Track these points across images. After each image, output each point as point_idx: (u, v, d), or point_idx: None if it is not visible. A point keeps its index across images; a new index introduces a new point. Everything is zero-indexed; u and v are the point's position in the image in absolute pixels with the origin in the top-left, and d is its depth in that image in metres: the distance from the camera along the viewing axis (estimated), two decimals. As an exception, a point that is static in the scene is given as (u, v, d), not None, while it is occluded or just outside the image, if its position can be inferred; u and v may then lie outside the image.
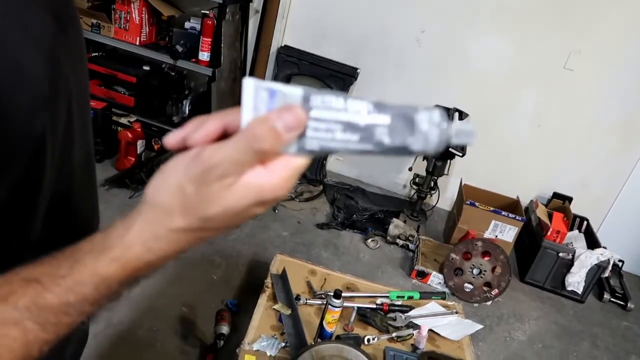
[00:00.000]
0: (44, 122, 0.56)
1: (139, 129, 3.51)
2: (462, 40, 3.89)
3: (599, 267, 3.39)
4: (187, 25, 3.90)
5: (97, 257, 0.47)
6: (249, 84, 0.44)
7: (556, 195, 4.01)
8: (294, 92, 0.44)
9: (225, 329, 2.17)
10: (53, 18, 0.60)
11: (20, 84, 0.54)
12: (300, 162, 0.46)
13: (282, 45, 4.19)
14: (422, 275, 3.25)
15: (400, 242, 3.57)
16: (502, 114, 4.04)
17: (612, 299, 3.61)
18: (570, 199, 3.96)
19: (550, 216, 3.67)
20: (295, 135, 0.44)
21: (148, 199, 0.48)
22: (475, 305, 3.18)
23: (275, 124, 0.43)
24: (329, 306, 2.32)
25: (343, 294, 2.63)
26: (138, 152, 3.51)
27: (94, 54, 4.00)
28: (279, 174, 0.45)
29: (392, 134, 0.45)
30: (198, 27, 3.81)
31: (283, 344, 2.18)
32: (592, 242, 3.62)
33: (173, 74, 4.02)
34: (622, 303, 3.59)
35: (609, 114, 3.86)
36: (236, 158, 0.43)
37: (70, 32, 0.65)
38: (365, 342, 2.39)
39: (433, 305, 2.77)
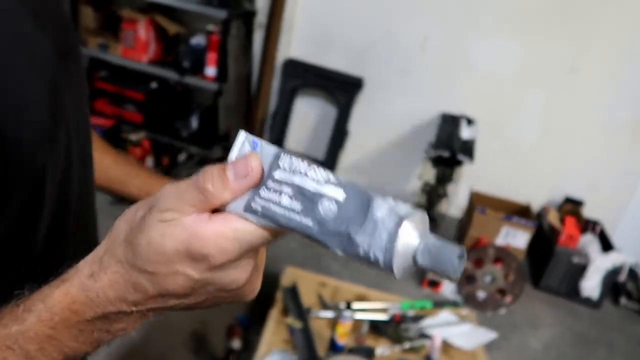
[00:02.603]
0: (45, 154, 0.57)
1: (148, 146, 3.54)
2: (467, 44, 3.90)
3: (614, 272, 3.34)
4: (192, 41, 3.94)
5: (50, 285, 0.46)
6: (240, 136, 0.44)
7: (568, 199, 3.96)
8: (269, 149, 0.43)
9: (236, 344, 2.17)
10: (55, 48, 0.61)
11: (22, 115, 0.54)
12: (242, 225, 0.42)
13: (288, 57, 4.21)
14: (434, 284, 3.22)
15: (411, 251, 3.55)
16: (510, 118, 4.02)
17: (628, 305, 3.55)
18: (581, 203, 3.91)
19: (562, 221, 3.63)
20: (245, 187, 0.42)
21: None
22: (489, 313, 3.15)
23: (227, 168, 0.42)
24: (340, 319, 2.31)
25: (354, 306, 2.63)
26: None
27: (102, 73, 4.06)
28: (215, 227, 0.41)
29: (338, 214, 0.39)
30: (204, 42, 3.84)
31: (295, 359, 2.17)
32: (607, 246, 3.57)
33: (179, 89, 4.06)
34: (638, 308, 3.52)
35: (618, 114, 3.83)
36: (181, 194, 0.42)
37: (70, 61, 0.66)
38: (378, 354, 2.38)
39: (446, 315, 2.75)
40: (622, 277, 3.38)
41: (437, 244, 0.38)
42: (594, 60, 3.72)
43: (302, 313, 2.48)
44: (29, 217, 0.58)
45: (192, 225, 0.42)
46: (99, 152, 0.88)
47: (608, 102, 3.82)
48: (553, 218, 3.67)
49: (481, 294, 3.16)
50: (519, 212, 3.73)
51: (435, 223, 4.00)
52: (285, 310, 2.50)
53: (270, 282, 2.86)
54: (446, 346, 2.51)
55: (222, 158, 3.75)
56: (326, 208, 0.39)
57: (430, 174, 3.84)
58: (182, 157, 3.62)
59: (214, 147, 3.73)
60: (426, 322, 2.64)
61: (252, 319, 2.55)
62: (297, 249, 3.35)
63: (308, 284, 2.73)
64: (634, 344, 3.19)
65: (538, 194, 4.03)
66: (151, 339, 2.40)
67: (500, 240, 3.50)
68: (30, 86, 0.55)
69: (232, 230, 0.42)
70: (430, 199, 3.85)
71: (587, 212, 3.92)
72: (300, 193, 0.40)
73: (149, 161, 3.55)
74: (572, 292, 3.46)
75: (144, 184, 1.01)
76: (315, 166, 0.41)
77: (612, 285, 3.55)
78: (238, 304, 2.71)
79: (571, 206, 3.84)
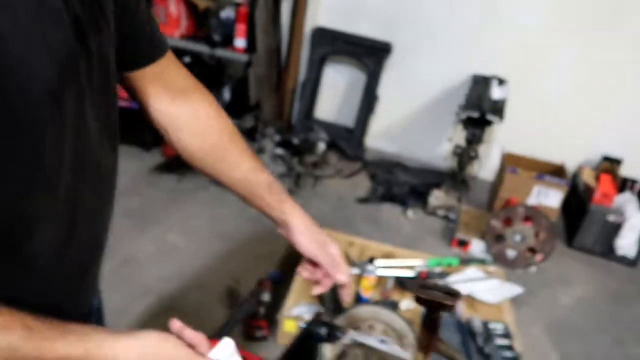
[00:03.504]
0: (46, 112, 0.63)
1: (183, 117, 3.69)
2: (494, 1, 3.82)
3: (652, 229, 3.27)
4: (222, 14, 4.03)
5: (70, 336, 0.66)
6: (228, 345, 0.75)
7: (605, 158, 3.86)
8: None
9: (266, 297, 2.30)
10: (75, 32, 0.66)
11: (28, 73, 0.60)
12: None
13: (316, 26, 4.25)
14: (463, 243, 3.26)
15: (441, 213, 3.59)
16: (542, 75, 3.92)
17: (668, 262, 3.47)
18: (619, 161, 3.81)
19: (597, 179, 3.56)
20: None
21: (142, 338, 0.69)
22: (519, 271, 3.16)
23: None
24: (365, 272, 2.41)
25: (380, 263, 2.72)
26: (183, 139, 3.69)
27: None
28: None
29: None
30: (233, 15, 3.93)
31: (321, 310, 2.29)
32: (645, 204, 3.49)
33: (212, 63, 4.18)
34: (678, 265, 3.44)
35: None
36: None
37: (92, 36, 0.71)
38: (402, 308, 2.46)
39: (473, 271, 2.79)
40: (660, 234, 3.29)
41: None
42: (631, 9, 3.57)
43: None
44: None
45: None
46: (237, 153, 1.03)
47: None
48: (588, 177, 3.60)
49: (511, 253, 3.17)
50: (552, 172, 3.68)
51: (467, 186, 4.00)
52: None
53: (301, 242, 2.98)
54: (472, 300, 2.56)
55: (254, 128, 3.87)
56: None
57: (460, 136, 3.83)
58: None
59: (245, 117, 3.84)
60: (452, 278, 2.70)
61: (283, 276, 2.67)
62: (328, 212, 3.45)
63: (336, 243, 2.82)
64: (672, 301, 3.14)
65: (573, 154, 3.94)
66: (187, 295, 2.57)
67: (532, 200, 3.48)
68: (40, 56, 0.61)
69: None
70: (461, 162, 3.84)
71: (626, 170, 3.81)
72: None
73: (185, 132, 3.70)
74: (607, 250, 3.42)
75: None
76: None
77: (651, 244, 3.48)
78: (272, 260, 2.85)
79: (608, 164, 3.74)
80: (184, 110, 1.00)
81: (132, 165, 3.59)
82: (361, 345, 1.01)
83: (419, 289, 0.78)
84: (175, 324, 0.73)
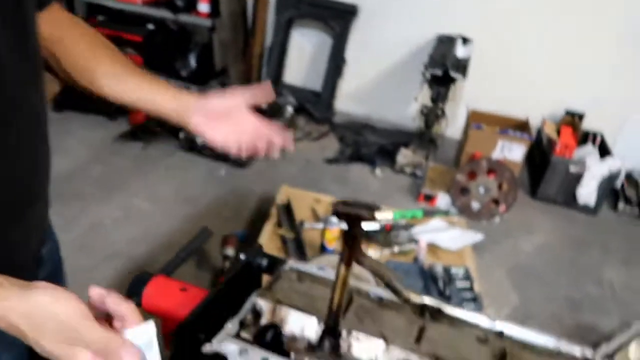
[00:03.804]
0: None
1: (147, 85, 3.65)
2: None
3: (611, 178, 3.38)
4: (183, -22, 3.96)
5: None
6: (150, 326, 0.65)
7: (568, 112, 3.94)
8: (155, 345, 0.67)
9: (230, 252, 2.34)
10: None
11: None
12: None
13: (280, -12, 4.19)
14: (429, 198, 3.32)
15: (408, 170, 3.65)
16: (507, 33, 3.95)
17: (627, 210, 3.59)
18: (581, 115, 3.89)
19: (559, 132, 3.64)
20: None
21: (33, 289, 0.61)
22: (484, 222, 3.25)
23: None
24: (328, 225, 2.45)
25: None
26: (148, 107, 3.66)
27: (100, 18, 4.13)
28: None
29: None
30: (194, -21, 3.86)
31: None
32: (607, 155, 3.58)
33: (176, 29, 4.12)
34: (637, 212, 3.57)
35: (623, 24, 3.72)
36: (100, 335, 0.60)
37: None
38: (368, 258, 2.53)
39: (436, 222, 2.86)
40: (619, 182, 3.40)
41: None
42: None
43: (294, 225, 2.64)
44: None
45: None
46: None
47: (613, 12, 3.71)
48: (550, 130, 3.68)
49: (475, 205, 3.25)
50: (517, 127, 3.75)
51: (434, 144, 4.05)
52: (279, 224, 2.66)
53: (267, 200, 3.01)
54: (434, 248, 2.64)
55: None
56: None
57: (427, 95, 3.86)
58: (182, 94, 3.72)
59: (211, 83, 3.81)
60: (416, 229, 2.77)
61: (248, 235, 2.71)
62: (297, 174, 3.48)
63: (303, 201, 2.86)
64: (630, 244, 3.27)
65: (538, 109, 4.01)
66: (156, 257, 2.60)
67: (497, 154, 3.55)
68: None
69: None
70: (428, 120, 3.88)
71: (588, 124, 3.90)
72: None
73: (149, 99, 3.67)
74: (569, 200, 3.52)
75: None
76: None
77: (611, 192, 3.59)
78: (239, 221, 2.88)
79: (569, 118, 3.82)
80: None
81: (97, 134, 3.56)
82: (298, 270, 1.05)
83: (337, 205, 0.81)
84: (94, 290, 0.64)
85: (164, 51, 4.10)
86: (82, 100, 3.76)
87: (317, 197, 2.94)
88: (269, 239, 2.54)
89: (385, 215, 2.76)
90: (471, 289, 2.33)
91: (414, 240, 2.65)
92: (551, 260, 3.02)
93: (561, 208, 3.54)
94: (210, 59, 4.01)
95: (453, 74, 3.42)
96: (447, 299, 2.27)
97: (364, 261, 0.86)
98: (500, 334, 0.87)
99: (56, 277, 1.11)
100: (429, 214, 2.91)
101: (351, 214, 0.80)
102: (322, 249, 2.45)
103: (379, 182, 3.54)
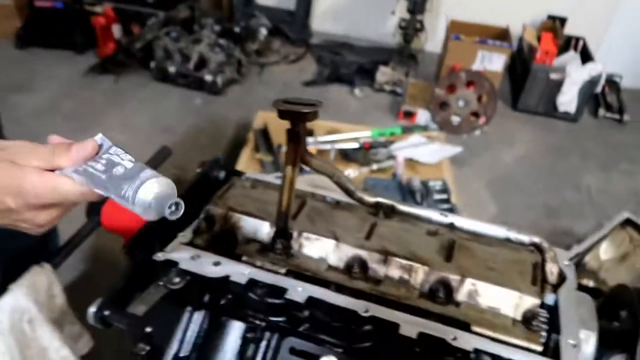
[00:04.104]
0: None
1: (111, 13, 3.48)
2: None
3: (591, 83, 3.34)
4: None
5: None
6: (97, 137, 0.67)
7: (550, 16, 3.83)
8: (108, 143, 0.66)
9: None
10: None
11: None
12: (63, 181, 0.63)
13: None
14: (409, 114, 3.29)
15: (388, 88, 3.59)
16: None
17: (607, 115, 3.59)
18: (563, 20, 3.78)
19: (539, 39, 3.55)
20: (79, 158, 0.64)
21: None
22: (464, 136, 3.24)
23: (73, 146, 0.64)
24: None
25: (324, 138, 2.75)
26: (116, 38, 3.51)
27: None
28: (43, 178, 0.62)
29: (123, 174, 0.62)
30: None
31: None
32: (589, 62, 3.52)
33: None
34: (617, 117, 3.57)
35: None
36: (35, 149, 0.64)
37: None
38: (347, 176, 2.54)
39: (416, 138, 2.85)
40: (599, 87, 3.37)
41: (161, 197, 0.62)
42: None
43: (271, 149, 2.63)
44: None
45: (30, 173, 0.61)
46: None
47: None
48: (530, 37, 3.58)
49: (455, 119, 3.23)
50: (497, 36, 3.65)
51: (415, 60, 3.96)
52: (257, 149, 2.64)
53: (245, 126, 2.98)
54: (412, 163, 2.65)
55: (190, 18, 3.68)
56: (118, 171, 0.62)
57: (404, 8, 3.72)
58: (151, 21, 3.56)
59: (179, 7, 3.63)
60: (395, 146, 2.76)
61: (228, 161, 2.69)
62: (273, 98, 3.39)
63: (280, 125, 2.81)
64: (608, 150, 3.29)
65: (519, 16, 3.88)
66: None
67: (477, 65, 3.48)
68: None
69: (55, 183, 0.62)
70: (407, 35, 3.76)
71: (571, 29, 3.81)
72: (109, 163, 0.63)
73: (116, 29, 3.51)
74: (549, 109, 3.50)
75: None
76: (129, 155, 0.64)
77: (592, 98, 3.57)
78: (216, 148, 2.86)
79: (550, 23, 3.72)
80: None
81: (64, 69, 3.44)
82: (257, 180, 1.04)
83: (278, 103, 0.78)
84: (54, 138, 0.68)
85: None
86: (46, 34, 3.61)
87: (294, 119, 2.90)
88: (246, 164, 2.53)
89: (363, 134, 2.74)
90: (448, 200, 2.36)
91: (392, 157, 2.65)
92: (530, 169, 3.05)
93: (542, 118, 3.53)
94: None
95: (429, -18, 3.27)
96: (424, 210, 2.30)
97: (310, 161, 0.85)
98: (451, 227, 0.88)
99: None
100: (407, 130, 2.89)
101: (293, 111, 0.78)
102: (300, 170, 2.44)
103: (358, 102, 3.49)
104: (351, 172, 2.54)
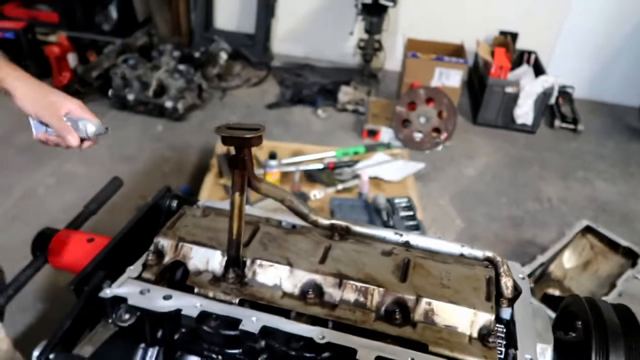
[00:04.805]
0: None
1: (66, 42, 3.42)
2: None
3: (545, 95, 3.45)
4: None
5: None
6: None
7: (502, 32, 3.96)
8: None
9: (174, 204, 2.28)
10: None
11: None
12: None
13: None
14: (373, 133, 3.32)
15: (351, 107, 3.62)
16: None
17: (563, 125, 3.71)
18: (515, 35, 3.92)
19: (493, 54, 3.66)
20: None
21: None
22: (427, 152, 3.29)
23: None
24: (267, 168, 2.43)
25: (288, 160, 2.74)
26: (72, 67, 3.45)
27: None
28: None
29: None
30: None
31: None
32: (541, 74, 3.63)
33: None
34: (572, 127, 3.69)
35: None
36: None
37: None
38: (312, 198, 2.53)
39: (379, 156, 2.88)
40: (553, 99, 3.48)
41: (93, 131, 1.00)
42: None
43: (235, 172, 2.60)
44: None
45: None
46: None
47: None
48: (484, 52, 3.69)
49: (418, 135, 3.27)
50: (453, 52, 3.74)
51: (376, 78, 4.02)
52: (221, 174, 2.61)
53: (208, 152, 2.94)
54: (377, 181, 2.66)
55: (149, 45, 3.66)
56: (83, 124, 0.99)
57: (362, 28, 3.78)
58: (108, 49, 3.51)
59: (135, 34, 3.60)
60: (359, 165, 2.77)
61: (191, 190, 2.65)
62: (237, 121, 3.39)
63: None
64: (565, 159, 3.39)
65: (473, 32, 4.00)
66: (97, 219, 2.51)
67: (435, 82, 3.55)
68: None
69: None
70: (366, 54, 3.83)
71: (523, 43, 3.95)
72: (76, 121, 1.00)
73: (71, 58, 3.45)
74: (508, 122, 3.59)
75: None
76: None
77: (547, 110, 3.69)
78: (179, 175, 2.81)
79: (502, 38, 3.84)
80: None
81: (19, 101, 3.35)
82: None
83: (221, 129, 0.77)
84: None
85: (82, 5, 3.83)
86: (-2, 65, 3.51)
87: (257, 142, 2.89)
88: (210, 190, 2.49)
89: (327, 154, 2.73)
90: (414, 217, 2.37)
91: (357, 176, 2.66)
92: (493, 181, 3.11)
93: (501, 130, 3.62)
94: (131, 9, 3.78)
95: (382, 1, 3.35)
96: (392, 228, 2.30)
97: (258, 186, 0.84)
98: (406, 245, 0.88)
99: None
100: (371, 148, 2.92)
101: (235, 137, 0.76)
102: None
103: (321, 122, 3.51)
104: (317, 192, 2.53)
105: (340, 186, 2.60)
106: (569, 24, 3.96)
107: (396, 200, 2.46)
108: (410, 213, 2.40)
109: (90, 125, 0.98)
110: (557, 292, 2.09)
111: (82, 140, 1.02)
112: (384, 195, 2.45)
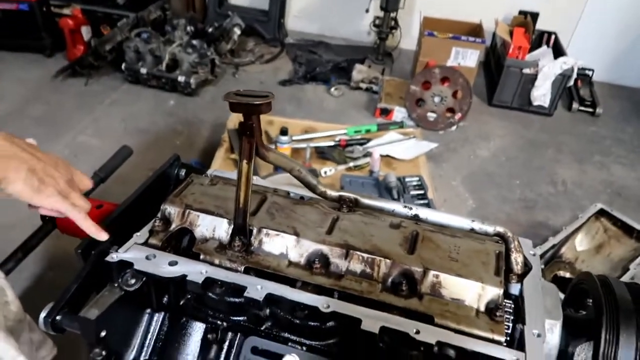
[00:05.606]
0: None
1: (80, 15, 3.41)
2: None
3: (564, 77, 3.37)
4: None
5: None
6: None
7: (522, 12, 3.86)
8: None
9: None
10: None
11: None
12: None
13: None
14: (386, 112, 3.29)
15: (364, 86, 3.57)
16: None
17: (581, 108, 3.63)
18: (535, 15, 3.82)
19: (512, 34, 3.57)
20: None
21: None
22: (441, 132, 3.25)
23: None
24: (277, 144, 2.42)
25: (300, 136, 2.73)
26: (85, 40, 3.44)
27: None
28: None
29: None
30: None
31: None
32: (561, 56, 3.55)
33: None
34: (590, 110, 3.61)
35: None
36: None
37: None
38: (323, 174, 2.52)
39: (391, 135, 2.85)
40: (572, 81, 3.40)
41: None
42: None
43: (247, 148, 2.59)
44: None
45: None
46: None
47: None
48: (503, 32, 3.61)
49: (431, 115, 3.23)
50: (471, 32, 3.66)
51: (390, 57, 3.96)
52: (232, 149, 2.61)
53: (220, 127, 2.93)
54: (389, 160, 2.64)
55: (162, 20, 3.63)
56: None
57: (377, 5, 3.72)
58: (121, 22, 3.49)
59: (149, 8, 3.57)
60: (371, 143, 2.75)
61: (202, 165, 2.66)
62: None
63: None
64: (582, 143, 3.33)
65: (492, 12, 3.91)
66: (109, 190, 2.53)
67: (451, 61, 3.49)
68: None
69: None
70: (381, 32, 3.77)
71: (543, 24, 3.85)
72: None
73: (85, 31, 3.44)
74: (524, 103, 3.53)
75: None
76: None
77: (566, 92, 3.61)
78: (191, 149, 2.82)
79: (522, 18, 3.75)
80: None
81: (33, 73, 3.36)
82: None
83: (230, 96, 0.75)
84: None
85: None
86: (12, 37, 3.52)
87: (269, 119, 2.88)
88: (221, 165, 2.49)
89: (339, 132, 2.71)
90: (425, 196, 2.35)
91: (368, 155, 2.63)
92: (507, 164, 3.06)
93: (517, 112, 3.55)
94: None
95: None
96: (400, 206, 2.29)
97: (267, 155, 0.82)
98: (415, 219, 0.87)
99: None
100: (383, 127, 2.88)
101: (245, 103, 0.75)
102: (275, 168, 2.42)
103: (334, 100, 3.48)
104: (327, 169, 2.52)
105: (351, 164, 2.58)
106: (591, 5, 3.85)
107: (407, 179, 2.44)
108: (421, 192, 2.38)
109: None
110: (567, 274, 2.07)
111: None
112: (394, 174, 2.43)
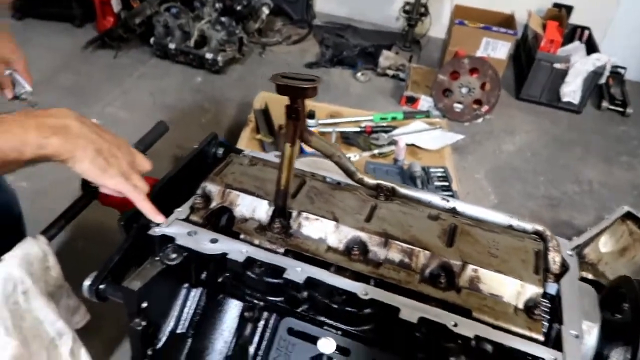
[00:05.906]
0: None
1: (112, -13, 3.42)
2: None
3: (595, 74, 3.30)
4: None
5: None
6: None
7: (556, 5, 3.78)
8: None
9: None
10: None
11: None
12: None
13: None
14: (412, 100, 3.26)
15: (391, 72, 3.54)
16: None
17: (610, 107, 3.56)
18: (570, 8, 3.73)
19: (544, 27, 3.50)
20: None
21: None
22: (467, 124, 3.21)
23: None
24: (304, 127, 2.41)
25: (326, 120, 2.72)
26: (115, 11, 3.45)
27: None
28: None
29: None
30: None
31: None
32: (594, 52, 3.47)
33: None
34: (620, 109, 3.54)
35: None
36: None
37: None
38: (346, 160, 2.51)
39: (417, 124, 2.83)
40: (603, 78, 3.33)
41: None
42: None
43: (272, 130, 2.60)
44: None
45: None
46: None
47: None
48: (535, 24, 3.53)
49: (458, 106, 3.19)
50: (503, 23, 3.59)
51: (418, 45, 3.91)
52: (257, 129, 2.62)
53: (246, 106, 2.94)
54: (414, 149, 2.63)
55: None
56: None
57: (409, -9, 3.66)
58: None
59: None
60: (397, 132, 2.73)
61: (230, 143, 2.67)
62: (275, 80, 3.37)
63: (281, 105, 2.77)
64: (610, 142, 3.27)
65: (525, 3, 3.82)
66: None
67: (481, 52, 3.43)
68: None
69: None
70: (411, 19, 3.71)
71: (577, 18, 3.76)
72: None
73: (115, 3, 3.44)
74: (553, 99, 3.47)
75: None
76: None
77: (596, 90, 3.54)
78: (216, 127, 2.83)
79: (555, 11, 3.66)
80: None
81: (63, 42, 3.38)
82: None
83: (277, 78, 0.75)
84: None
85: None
86: (44, 6, 3.55)
87: (295, 101, 2.87)
88: (247, 144, 2.50)
89: (365, 118, 2.69)
90: (449, 187, 2.34)
91: (393, 142, 2.62)
92: (532, 160, 3.03)
93: (545, 108, 3.49)
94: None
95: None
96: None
97: (309, 139, 0.83)
98: (453, 212, 0.87)
99: None
100: (409, 115, 2.86)
101: (292, 86, 0.75)
102: (301, 151, 2.42)
103: (360, 86, 3.46)
104: (352, 156, 2.52)
105: (376, 151, 2.57)
106: (625, 3, 3.75)
107: (432, 170, 2.43)
108: (446, 183, 2.37)
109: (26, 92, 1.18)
110: (590, 276, 2.05)
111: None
112: (419, 164, 2.42)
